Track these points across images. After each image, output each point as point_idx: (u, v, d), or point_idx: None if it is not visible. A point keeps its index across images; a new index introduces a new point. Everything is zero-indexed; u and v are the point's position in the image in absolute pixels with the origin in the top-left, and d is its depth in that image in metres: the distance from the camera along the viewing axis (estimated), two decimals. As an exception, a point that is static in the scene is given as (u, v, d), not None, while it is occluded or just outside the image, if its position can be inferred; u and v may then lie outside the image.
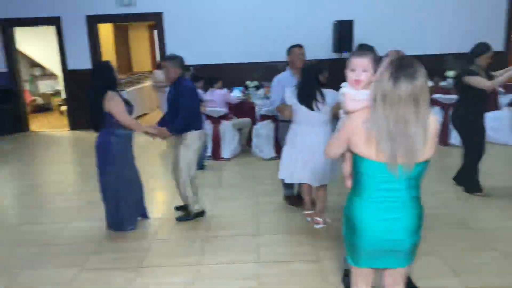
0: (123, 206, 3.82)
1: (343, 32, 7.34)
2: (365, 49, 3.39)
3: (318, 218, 3.84)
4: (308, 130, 3.64)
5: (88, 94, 3.71)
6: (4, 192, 5.34)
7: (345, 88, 2.28)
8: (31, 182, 5.57)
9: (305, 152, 3.65)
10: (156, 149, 6.82)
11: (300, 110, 3.62)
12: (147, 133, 3.95)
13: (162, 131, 3.91)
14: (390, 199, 1.88)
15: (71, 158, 7.14)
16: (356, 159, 1.91)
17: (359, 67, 2.24)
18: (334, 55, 7.60)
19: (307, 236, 3.66)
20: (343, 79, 2.32)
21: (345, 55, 7.16)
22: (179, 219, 4.09)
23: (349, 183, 2.11)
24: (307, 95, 3.57)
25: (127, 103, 3.75)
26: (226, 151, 6.17)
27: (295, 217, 4.05)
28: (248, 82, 7.40)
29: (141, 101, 9.99)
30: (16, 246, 3.68)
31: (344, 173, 2.19)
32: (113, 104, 3.56)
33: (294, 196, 4.41)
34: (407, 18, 8.00)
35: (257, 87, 7.34)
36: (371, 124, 1.77)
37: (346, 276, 2.77)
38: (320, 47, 7.59)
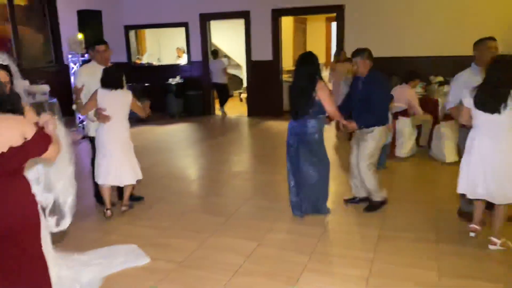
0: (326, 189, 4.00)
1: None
2: None
3: (494, 239, 3.29)
4: (488, 138, 3.09)
5: (298, 82, 3.79)
6: (194, 166, 6.09)
7: None
8: (215, 159, 6.23)
9: (486, 164, 3.11)
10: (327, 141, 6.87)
11: (479, 114, 3.10)
12: (337, 123, 4.03)
13: (352, 125, 3.90)
14: None
15: (247, 141, 7.72)
16: None
17: None
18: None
19: (490, 254, 3.22)
20: None
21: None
22: (366, 210, 4.08)
23: None
24: (490, 95, 3.02)
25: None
26: (402, 149, 5.83)
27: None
28: (431, 77, 6.85)
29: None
30: (205, 214, 4.15)
31: None
32: (324, 92, 3.68)
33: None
34: None
35: (441, 83, 6.73)
36: None
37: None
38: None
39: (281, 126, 8.28)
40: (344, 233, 3.69)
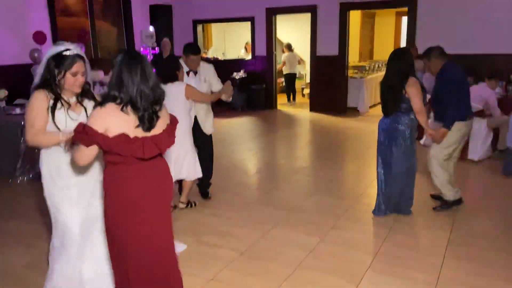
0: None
1: None
2: None
3: None
4: None
5: (388, 78, 3.70)
6: (257, 160, 6.15)
7: None
8: (277, 153, 6.25)
9: None
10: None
11: None
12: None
13: (439, 133, 3.81)
14: None
15: (310, 137, 7.65)
16: None
17: None
18: None
19: None
20: None
21: None
22: (436, 209, 3.97)
23: None
24: None
25: (422, 88, 3.69)
26: (475, 151, 5.50)
27: None
28: (512, 76, 6.38)
29: (375, 89, 9.91)
30: (268, 206, 4.19)
31: None
32: (412, 89, 3.57)
33: None
34: None
35: (524, 83, 6.26)
36: None
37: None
38: None
39: (344, 123, 8.14)
40: (411, 236, 3.56)
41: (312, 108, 9.40)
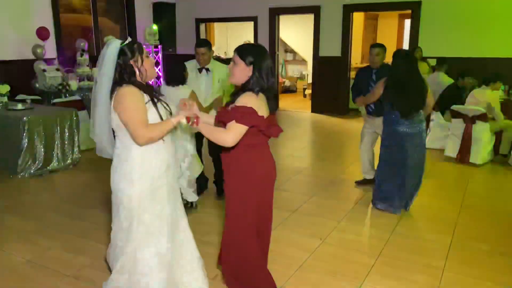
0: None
1: None
2: None
3: None
4: None
5: (416, 79, 3.78)
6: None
7: None
8: (278, 154, 6.23)
9: None
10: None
11: None
12: None
13: None
14: None
15: (311, 138, 7.65)
16: None
17: None
18: None
19: None
20: None
21: None
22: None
23: None
24: None
25: None
26: (477, 155, 5.49)
27: None
28: (515, 81, 6.37)
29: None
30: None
31: None
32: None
33: None
34: None
35: (526, 87, 6.25)
36: None
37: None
38: None
39: (346, 125, 8.13)
40: (413, 238, 3.54)
41: (314, 109, 9.39)
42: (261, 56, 2.25)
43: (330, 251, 3.31)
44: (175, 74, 3.77)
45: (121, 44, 2.25)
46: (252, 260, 2.48)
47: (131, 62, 2.25)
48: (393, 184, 3.94)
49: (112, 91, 2.24)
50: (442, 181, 5.03)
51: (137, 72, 2.28)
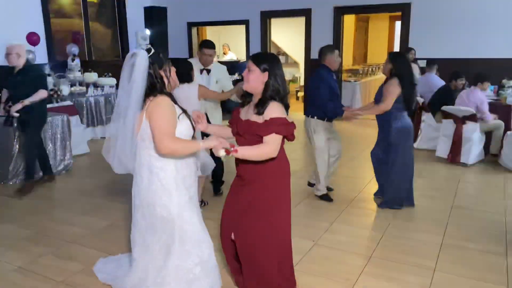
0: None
1: None
2: None
3: None
4: None
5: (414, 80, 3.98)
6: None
7: None
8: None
9: None
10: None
11: None
12: None
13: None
14: None
15: (302, 140, 7.64)
16: None
17: None
18: None
19: None
20: None
21: None
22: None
23: None
24: None
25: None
26: (467, 155, 5.54)
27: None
28: (504, 81, 6.44)
29: (369, 93, 9.97)
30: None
31: None
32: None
33: None
34: None
35: (516, 87, 6.32)
36: None
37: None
38: None
39: (338, 126, 8.14)
40: (405, 239, 3.57)
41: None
42: (276, 63, 2.33)
43: (323, 253, 3.32)
44: (183, 73, 3.75)
45: (148, 54, 2.21)
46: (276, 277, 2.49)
47: (161, 72, 2.24)
48: (409, 182, 4.15)
49: (144, 102, 2.21)
50: (433, 181, 5.07)
51: (166, 82, 2.26)
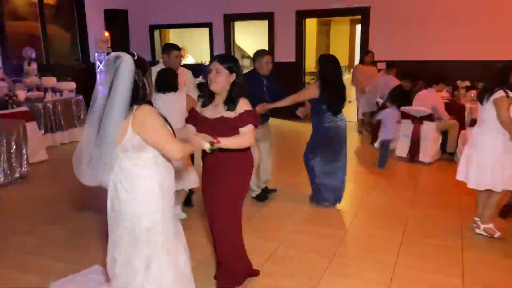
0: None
1: None
2: None
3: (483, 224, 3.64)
4: None
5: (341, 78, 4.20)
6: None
7: None
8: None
9: None
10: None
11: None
12: None
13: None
14: None
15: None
16: None
17: None
18: None
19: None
20: None
21: None
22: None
23: None
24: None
25: None
26: (426, 154, 5.73)
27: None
28: (458, 82, 6.72)
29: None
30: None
31: None
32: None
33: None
34: None
35: (469, 88, 6.60)
36: None
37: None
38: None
39: (302, 128, 8.24)
40: (366, 237, 3.65)
41: (272, 114, 9.45)
42: (239, 64, 2.58)
43: (287, 254, 3.34)
44: (167, 80, 3.70)
45: (136, 61, 2.05)
46: (242, 247, 2.83)
47: (144, 78, 2.09)
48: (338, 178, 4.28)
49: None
50: (393, 179, 5.22)
51: (148, 90, 2.12)
